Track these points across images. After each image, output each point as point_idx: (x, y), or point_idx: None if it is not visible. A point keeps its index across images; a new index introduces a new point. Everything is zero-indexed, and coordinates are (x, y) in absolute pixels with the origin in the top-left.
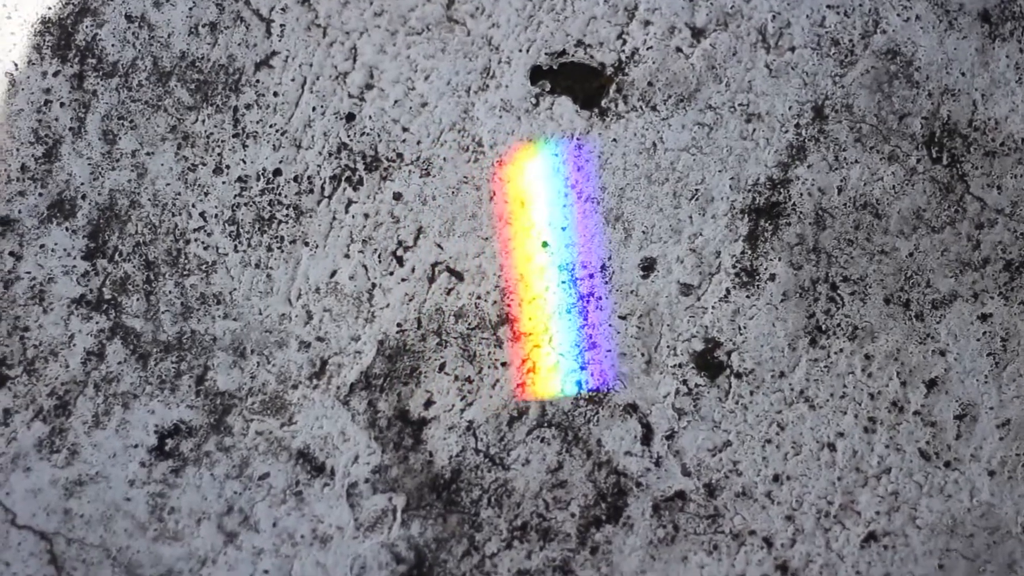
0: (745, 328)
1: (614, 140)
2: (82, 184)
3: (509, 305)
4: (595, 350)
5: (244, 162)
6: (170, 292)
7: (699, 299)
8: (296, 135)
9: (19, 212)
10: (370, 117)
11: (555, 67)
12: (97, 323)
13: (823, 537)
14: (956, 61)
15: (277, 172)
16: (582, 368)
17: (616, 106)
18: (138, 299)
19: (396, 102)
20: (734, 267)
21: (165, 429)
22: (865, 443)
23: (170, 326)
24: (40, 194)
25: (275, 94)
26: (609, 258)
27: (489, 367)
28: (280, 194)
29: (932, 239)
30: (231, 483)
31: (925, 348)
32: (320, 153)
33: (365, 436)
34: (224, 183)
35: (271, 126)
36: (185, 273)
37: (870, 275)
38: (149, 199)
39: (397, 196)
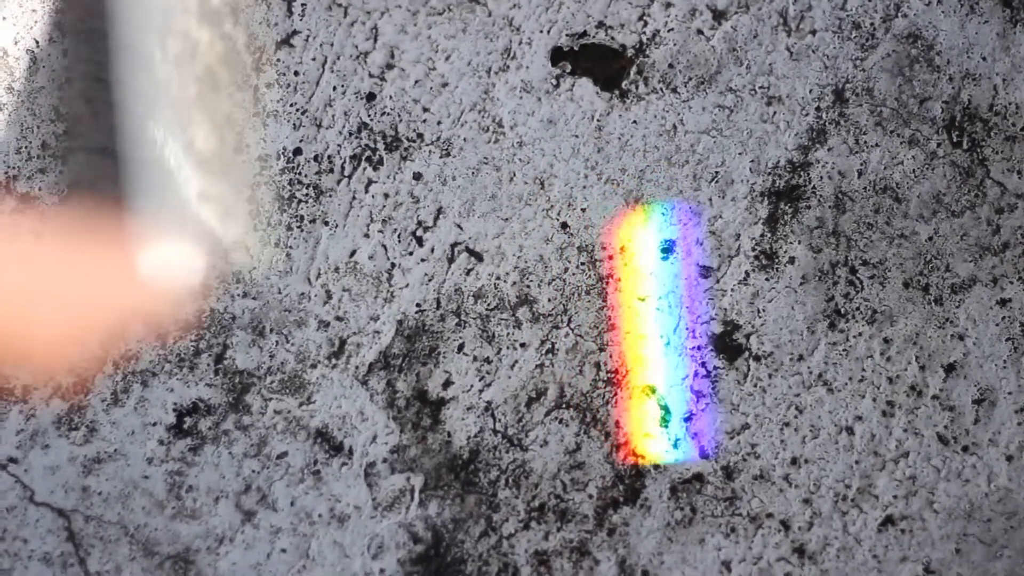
0: (764, 311)
1: (634, 122)
2: None
3: (528, 286)
4: (614, 332)
5: (264, 141)
6: None
7: (718, 281)
8: (316, 114)
9: (39, 190)
10: (390, 97)
11: (576, 48)
12: None
13: (840, 520)
14: (977, 45)
15: (297, 151)
16: (601, 350)
17: (637, 88)
18: None
19: (417, 82)
20: (753, 250)
21: (184, 407)
22: (883, 427)
23: (189, 304)
24: (61, 172)
25: (296, 73)
26: (629, 239)
27: (508, 348)
28: (300, 173)
29: (952, 223)
30: (249, 462)
31: (944, 332)
32: (340, 133)
33: (383, 416)
34: (244, 162)
35: (292, 105)
36: None
37: (889, 259)
38: None
39: (417, 176)
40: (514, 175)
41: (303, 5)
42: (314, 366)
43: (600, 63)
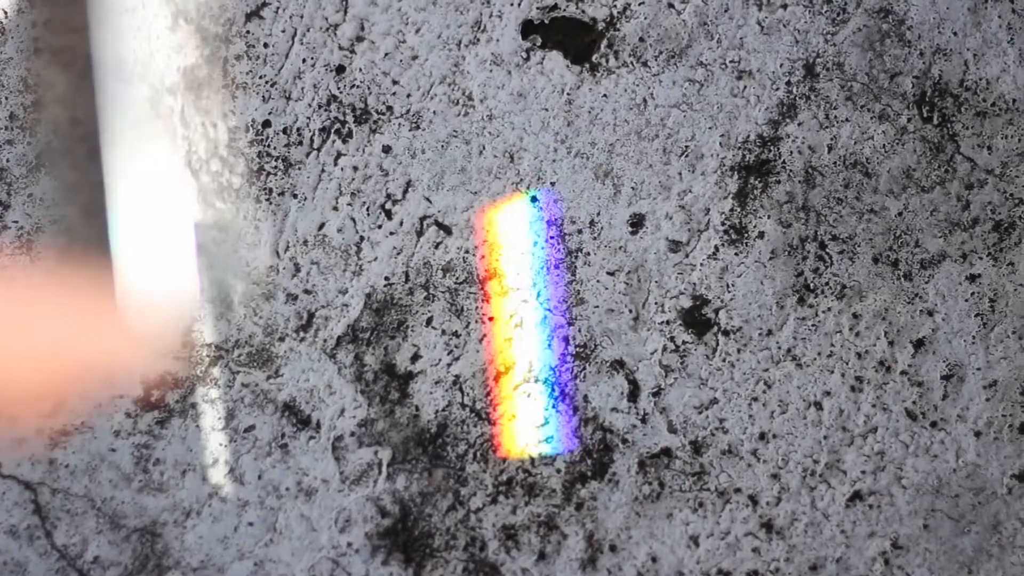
0: (733, 286)
1: (604, 96)
2: None
3: (497, 260)
4: (583, 306)
5: (233, 113)
6: None
7: (687, 256)
8: (286, 87)
9: (7, 161)
10: (360, 69)
11: (546, 21)
12: None
13: (808, 496)
14: (948, 20)
15: (266, 124)
16: (569, 324)
17: (607, 61)
18: None
19: (386, 55)
20: (723, 224)
21: (151, 380)
22: (852, 402)
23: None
24: (29, 143)
25: (265, 45)
26: (598, 214)
27: (476, 322)
28: (269, 146)
29: (921, 199)
30: (216, 435)
31: (913, 308)
32: (310, 105)
33: (351, 389)
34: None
35: (261, 77)
36: None
37: (859, 234)
38: None
39: (386, 149)
40: (483, 148)
41: None
42: (282, 339)
43: (571, 36)
